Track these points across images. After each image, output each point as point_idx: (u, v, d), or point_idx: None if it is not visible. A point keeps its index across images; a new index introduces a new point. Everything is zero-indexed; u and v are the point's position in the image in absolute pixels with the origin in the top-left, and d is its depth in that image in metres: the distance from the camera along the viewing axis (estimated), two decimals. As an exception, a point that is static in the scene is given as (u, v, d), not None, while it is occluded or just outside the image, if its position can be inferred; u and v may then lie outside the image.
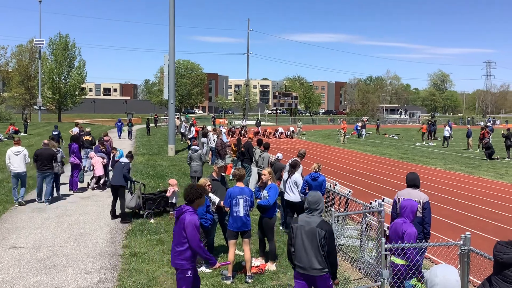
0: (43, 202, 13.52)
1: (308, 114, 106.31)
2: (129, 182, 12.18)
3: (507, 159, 27.21)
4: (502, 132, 29.76)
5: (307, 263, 5.58)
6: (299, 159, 11.40)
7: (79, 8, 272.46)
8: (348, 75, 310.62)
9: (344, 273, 8.26)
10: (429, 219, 7.09)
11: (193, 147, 15.24)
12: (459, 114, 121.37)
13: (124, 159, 12.34)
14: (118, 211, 11.87)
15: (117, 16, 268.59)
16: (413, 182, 7.29)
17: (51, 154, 13.63)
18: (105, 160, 16.08)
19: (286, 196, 10.73)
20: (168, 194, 12.21)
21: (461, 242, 5.71)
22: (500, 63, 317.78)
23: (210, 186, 8.54)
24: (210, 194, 8.62)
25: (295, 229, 5.70)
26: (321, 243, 5.52)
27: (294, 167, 10.82)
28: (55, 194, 14.17)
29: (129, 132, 38.31)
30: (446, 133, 36.06)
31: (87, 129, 21.47)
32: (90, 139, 19.33)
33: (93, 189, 15.71)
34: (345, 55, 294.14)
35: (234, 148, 19.35)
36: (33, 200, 13.78)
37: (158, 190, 13.49)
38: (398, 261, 6.06)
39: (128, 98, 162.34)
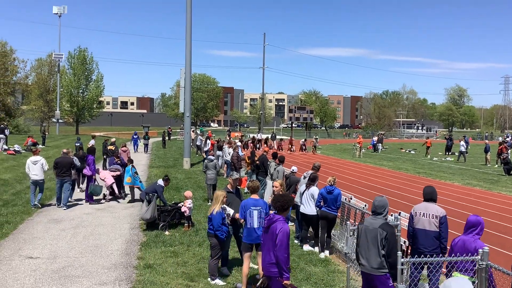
0: (61, 206, 14.47)
1: (323, 128, 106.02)
2: (149, 194, 12.46)
3: (526, 174, 26.74)
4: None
5: (368, 262, 5.96)
6: (315, 172, 11.39)
7: (97, 22, 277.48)
8: (364, 89, 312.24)
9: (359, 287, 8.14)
10: (446, 233, 6.97)
11: (209, 157, 16.40)
12: (477, 130, 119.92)
13: (160, 182, 12.76)
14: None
15: (134, 31, 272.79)
16: (430, 196, 7.20)
17: (70, 162, 14.71)
18: (118, 172, 16.20)
19: (302, 209, 10.70)
20: (183, 208, 12.22)
21: (479, 257, 5.62)
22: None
23: (226, 198, 8.54)
24: (225, 206, 8.61)
25: (360, 230, 6.15)
26: (382, 244, 5.85)
27: (313, 180, 10.78)
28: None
29: (145, 145, 38.55)
30: (462, 148, 35.62)
31: (112, 139, 22.37)
32: (113, 148, 20.01)
33: (108, 201, 15.81)
34: (361, 69, 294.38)
35: (248, 161, 19.36)
36: (49, 205, 14.78)
37: (173, 202, 13.51)
38: (463, 278, 5.91)
39: (145, 111, 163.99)
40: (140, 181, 15.77)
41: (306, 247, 10.69)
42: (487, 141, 36.42)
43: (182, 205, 12.29)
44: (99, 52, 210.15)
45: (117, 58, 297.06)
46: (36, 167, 14.18)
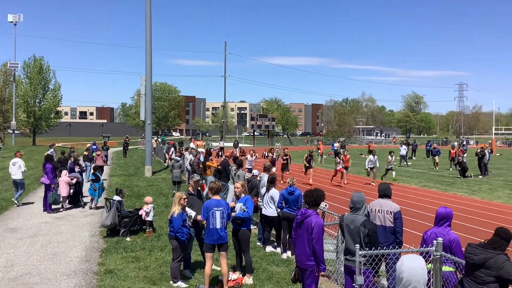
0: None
1: (285, 135, 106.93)
2: (109, 201, 12.58)
3: (480, 177, 27.81)
4: (476, 151, 30.51)
5: (351, 257, 6.05)
6: (265, 173, 11.61)
7: (54, 30, 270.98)
8: (324, 97, 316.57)
9: (321, 286, 8.27)
10: (401, 228, 7.20)
11: (175, 157, 19.19)
12: (433, 135, 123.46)
13: (116, 197, 12.43)
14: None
15: (93, 39, 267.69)
16: (384, 192, 7.44)
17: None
18: (74, 180, 15.91)
19: (264, 211, 10.81)
20: (140, 211, 12.14)
21: (434, 248, 5.85)
22: (472, 85, 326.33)
23: (186, 200, 8.53)
24: (187, 208, 8.60)
25: (343, 227, 6.31)
26: (364, 241, 6.01)
27: (272, 182, 10.92)
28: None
29: (105, 156, 37.82)
30: (403, 152, 36.55)
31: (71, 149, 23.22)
32: (77, 155, 20.74)
33: (66, 209, 15.48)
34: (322, 78, 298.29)
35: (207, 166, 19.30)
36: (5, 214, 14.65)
37: (134, 209, 13.36)
38: (447, 268, 6.10)
39: (105, 121, 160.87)
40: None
41: (269, 249, 10.78)
42: (435, 144, 37.93)
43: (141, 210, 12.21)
44: (56, 61, 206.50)
45: (75, 67, 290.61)
46: (15, 167, 15.89)
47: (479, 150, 29.69)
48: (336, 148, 48.94)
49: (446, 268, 5.96)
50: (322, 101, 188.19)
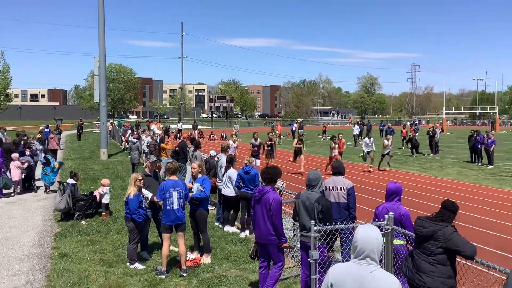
0: None
1: (244, 117, 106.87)
2: (62, 184, 12.29)
3: (431, 155, 28.78)
4: (428, 130, 31.50)
5: (307, 233, 6.18)
6: (223, 153, 11.64)
7: (2, 10, 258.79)
8: (282, 79, 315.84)
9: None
10: (354, 204, 7.39)
11: (132, 139, 19.25)
12: (387, 116, 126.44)
13: (70, 181, 12.11)
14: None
15: (45, 19, 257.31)
16: (337, 170, 7.62)
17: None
18: (25, 165, 15.40)
19: (223, 191, 10.85)
20: (95, 192, 11.96)
21: (385, 222, 6.04)
22: (424, 66, 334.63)
23: (143, 181, 8.43)
24: (143, 190, 8.51)
25: (298, 204, 6.45)
26: (319, 217, 6.16)
27: (230, 162, 10.92)
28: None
29: (58, 139, 36.76)
30: (356, 132, 37.76)
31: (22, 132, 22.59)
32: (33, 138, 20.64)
33: (17, 194, 15.02)
34: (280, 59, 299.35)
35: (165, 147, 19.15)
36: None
37: (89, 192, 13.10)
38: (398, 242, 6.26)
39: (57, 103, 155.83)
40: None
41: (227, 228, 10.84)
42: (389, 124, 39.21)
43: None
44: (5, 42, 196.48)
45: (25, 48, 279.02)
46: None
47: (430, 130, 30.68)
48: (294, 128, 49.63)
49: (397, 242, 6.16)
50: (280, 83, 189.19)
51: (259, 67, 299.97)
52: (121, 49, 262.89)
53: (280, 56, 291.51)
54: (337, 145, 20.76)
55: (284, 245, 6.55)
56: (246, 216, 10.48)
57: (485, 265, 4.67)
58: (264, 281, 6.69)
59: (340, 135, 22.43)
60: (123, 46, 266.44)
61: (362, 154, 22.46)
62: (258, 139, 20.17)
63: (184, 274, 7.78)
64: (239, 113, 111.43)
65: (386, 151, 21.93)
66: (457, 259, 4.94)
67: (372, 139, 21.95)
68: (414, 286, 4.95)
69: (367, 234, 3.23)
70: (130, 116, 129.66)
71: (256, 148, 20.30)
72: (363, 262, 3.21)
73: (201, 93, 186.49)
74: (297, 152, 20.90)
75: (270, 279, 6.59)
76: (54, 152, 22.14)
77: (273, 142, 21.30)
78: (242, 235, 10.34)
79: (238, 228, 10.78)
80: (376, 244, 3.18)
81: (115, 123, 47.25)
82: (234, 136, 19.51)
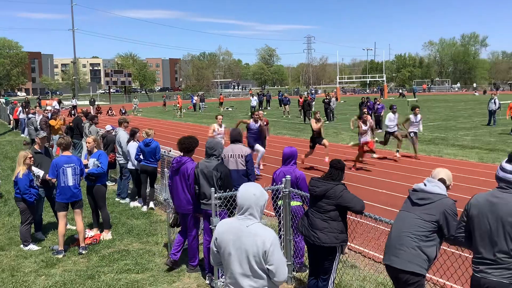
0: None
1: (143, 91, 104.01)
2: None
3: (327, 122, 30.19)
4: (324, 99, 32.91)
5: (207, 201, 6.19)
6: (121, 127, 11.34)
7: None
8: (182, 52, 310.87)
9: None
10: (253, 170, 7.59)
11: (29, 115, 19.46)
12: (286, 87, 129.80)
13: None
14: None
15: None
16: (235, 137, 7.74)
17: None
18: None
19: (123, 165, 10.58)
20: None
21: (283, 186, 6.28)
22: (319, 38, 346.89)
23: (33, 159, 7.95)
24: (33, 168, 8.04)
25: (197, 173, 6.39)
26: (218, 184, 6.18)
27: (133, 135, 10.64)
28: None
29: None
30: (254, 103, 38.91)
31: None
32: None
33: None
34: (179, 32, 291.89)
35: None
36: None
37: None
38: (295, 203, 6.45)
39: None
40: None
41: (130, 203, 10.62)
42: (286, 94, 40.91)
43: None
44: None
45: None
46: None
47: (326, 98, 32.11)
48: (195, 102, 49.30)
49: (294, 203, 6.46)
50: (180, 56, 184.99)
51: (157, 40, 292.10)
52: (5, 21, 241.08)
53: (179, 29, 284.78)
54: (369, 128, 14.49)
55: (200, 214, 6.65)
56: (147, 189, 10.34)
57: (372, 219, 5.07)
58: (177, 247, 6.83)
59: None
60: (7, 19, 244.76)
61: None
62: (259, 120, 13.38)
63: (83, 252, 7.54)
64: (138, 88, 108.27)
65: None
66: (347, 215, 5.29)
67: (396, 114, 16.42)
68: (310, 243, 5.21)
69: (246, 190, 3.40)
70: (19, 93, 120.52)
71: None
72: (243, 217, 3.38)
73: (96, 68, 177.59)
74: (316, 138, 14.91)
75: (189, 251, 6.78)
76: None
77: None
78: (145, 208, 10.20)
79: (139, 202, 10.58)
80: (254, 200, 3.34)
81: (2, 101, 43.69)
82: (219, 119, 13.09)
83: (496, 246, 3.69)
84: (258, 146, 12.94)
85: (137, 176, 10.46)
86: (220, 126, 13.07)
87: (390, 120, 15.97)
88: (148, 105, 64.88)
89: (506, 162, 3.90)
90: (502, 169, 3.87)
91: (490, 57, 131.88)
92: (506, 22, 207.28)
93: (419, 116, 16.18)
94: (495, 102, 26.10)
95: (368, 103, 26.45)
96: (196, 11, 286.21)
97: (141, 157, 10.02)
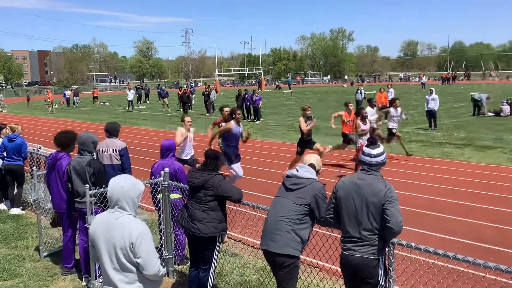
0: None
1: (9, 86, 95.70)
2: None
3: (207, 114, 30.43)
4: (203, 91, 33.08)
5: (81, 199, 5.92)
6: None
7: None
8: (52, 43, 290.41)
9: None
10: (129, 164, 7.34)
11: None
12: (165, 80, 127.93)
13: None
14: None
15: None
16: (111, 132, 7.47)
17: None
18: None
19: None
20: None
21: (162, 179, 6.19)
22: (197, 31, 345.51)
23: None
24: None
25: (69, 171, 6.09)
26: (91, 180, 5.92)
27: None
28: None
29: None
30: (131, 97, 37.23)
31: None
32: None
33: None
34: (48, 22, 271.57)
35: None
36: None
37: None
38: (175, 196, 6.36)
39: None
40: None
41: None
42: (164, 88, 40.62)
43: None
44: None
45: None
46: None
47: (205, 91, 32.34)
48: (68, 96, 46.60)
49: (173, 196, 6.43)
50: (50, 48, 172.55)
51: (24, 31, 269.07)
52: None
53: (49, 19, 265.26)
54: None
55: (74, 213, 6.35)
56: (15, 191, 9.58)
57: (250, 206, 5.24)
58: (67, 251, 6.50)
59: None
60: None
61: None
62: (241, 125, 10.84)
63: None
64: (3, 82, 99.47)
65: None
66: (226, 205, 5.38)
67: (399, 109, 14.58)
68: (190, 234, 5.21)
69: (114, 183, 3.39)
70: None
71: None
72: (113, 210, 3.37)
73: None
74: (305, 142, 12.07)
75: (64, 252, 6.50)
76: None
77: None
78: (13, 211, 9.42)
79: (5, 204, 9.76)
80: (123, 193, 3.33)
81: None
82: (188, 122, 10.17)
83: (361, 225, 4.04)
84: (237, 168, 10.26)
85: (2, 177, 9.63)
86: (189, 130, 10.17)
87: (371, 114, 13.75)
88: (15, 100, 60.03)
89: (366, 146, 4.28)
90: (363, 152, 4.25)
91: (356, 51, 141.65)
92: (369, 16, 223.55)
93: (399, 109, 14.46)
94: (361, 93, 28.66)
95: (246, 95, 27.16)
96: (69, 1, 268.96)
97: (4, 154, 9.22)
